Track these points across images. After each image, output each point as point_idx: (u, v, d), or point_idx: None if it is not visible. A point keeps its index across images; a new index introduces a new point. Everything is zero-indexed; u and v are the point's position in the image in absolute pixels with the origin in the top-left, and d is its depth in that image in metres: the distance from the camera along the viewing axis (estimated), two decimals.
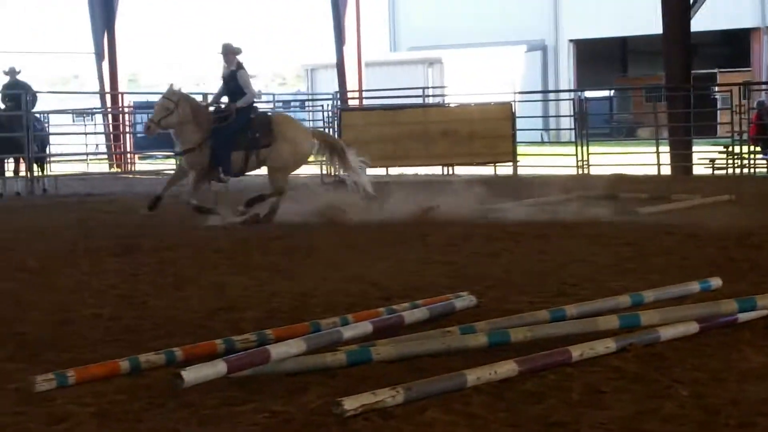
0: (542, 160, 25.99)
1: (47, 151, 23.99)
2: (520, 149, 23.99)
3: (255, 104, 15.78)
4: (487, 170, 23.59)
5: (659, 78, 29.05)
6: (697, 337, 6.38)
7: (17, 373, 5.96)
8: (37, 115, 23.42)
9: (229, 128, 14.02)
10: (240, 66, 14.22)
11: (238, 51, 14.17)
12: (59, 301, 8.49)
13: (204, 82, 44.62)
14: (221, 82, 14.63)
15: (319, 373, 5.78)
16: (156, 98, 39.93)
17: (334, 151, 15.16)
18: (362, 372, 5.77)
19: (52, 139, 25.88)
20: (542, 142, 34.15)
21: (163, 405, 5.27)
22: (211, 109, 14.72)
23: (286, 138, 14.34)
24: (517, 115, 23.82)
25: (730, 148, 23.23)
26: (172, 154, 30.61)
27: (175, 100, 13.84)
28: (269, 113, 16.30)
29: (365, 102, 28.44)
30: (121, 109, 30.87)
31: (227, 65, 14.26)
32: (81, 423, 5.03)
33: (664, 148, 23.00)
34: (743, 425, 4.72)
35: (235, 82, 14.05)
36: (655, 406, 5.04)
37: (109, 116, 31.34)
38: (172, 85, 14.55)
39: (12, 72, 21.46)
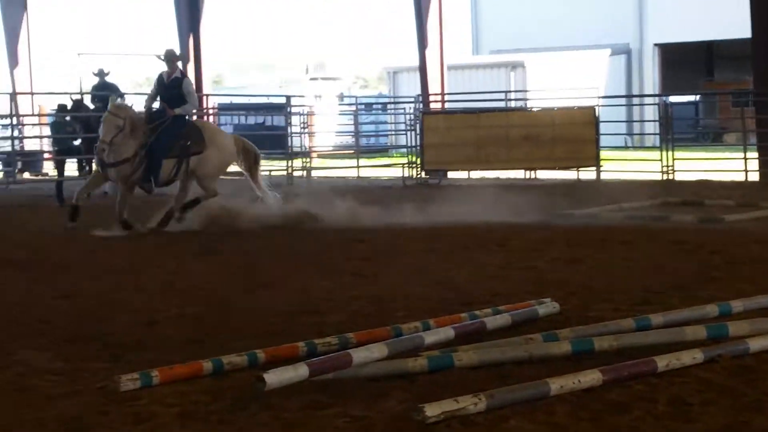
0: (626, 165, 25.75)
1: None
2: (603, 154, 23.86)
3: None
4: (569, 175, 23.47)
5: (747, 83, 28.62)
6: None
7: (102, 372, 6.06)
8: None
9: (164, 137, 13.55)
10: (184, 74, 14.15)
11: (181, 57, 14.07)
12: (144, 301, 8.63)
13: (287, 83, 44.92)
14: (156, 86, 13.96)
15: (400, 379, 5.80)
16: (239, 100, 40.28)
17: (249, 157, 14.91)
18: (443, 378, 5.78)
19: None
20: (626, 147, 33.85)
21: (246, 407, 5.31)
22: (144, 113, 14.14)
23: (215, 145, 14.12)
24: (600, 119, 23.66)
25: None
26: None
27: (123, 116, 13.20)
28: (193, 121, 15.38)
29: (447, 105, 28.38)
30: (206, 110, 31.19)
31: (170, 71, 13.64)
32: (165, 423, 5.10)
33: (752, 154, 22.70)
34: None
35: (178, 89, 13.52)
36: (744, 420, 4.98)
37: (194, 117, 31.62)
38: (115, 98, 14.82)
39: (101, 74, 21.82)
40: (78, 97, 22.30)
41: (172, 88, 13.41)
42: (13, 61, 34.13)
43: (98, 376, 5.99)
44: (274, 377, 5.48)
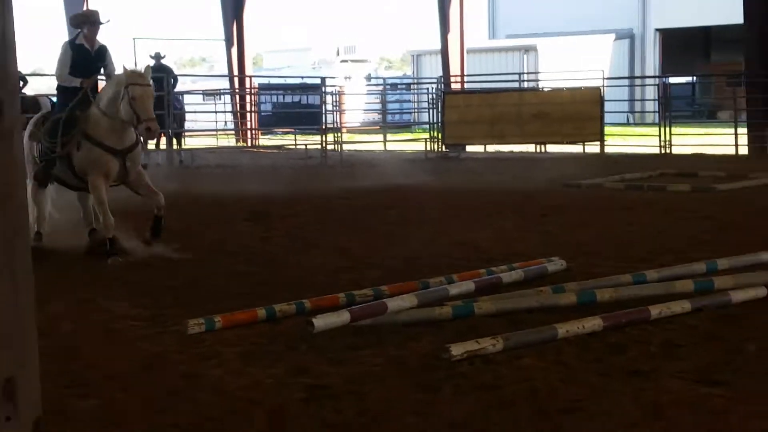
0: (628, 140, 25.76)
1: (183, 127, 24.54)
2: (607, 130, 23.76)
3: None
4: (576, 149, 23.48)
5: (740, 65, 28.53)
6: (766, 300, 6.38)
7: (173, 317, 6.26)
8: (177, 96, 23.96)
9: None
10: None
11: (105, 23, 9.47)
12: (200, 259, 8.73)
13: (320, 65, 44.91)
14: (75, 55, 9.13)
15: (429, 324, 5.93)
16: (277, 81, 40.08)
17: None
18: (466, 324, 5.90)
19: (187, 116, 26.48)
20: (628, 124, 33.79)
21: (297, 348, 5.50)
22: None
23: None
24: (605, 98, 23.58)
25: None
26: (291, 130, 31.19)
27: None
28: None
29: (466, 86, 28.42)
30: (249, 90, 31.41)
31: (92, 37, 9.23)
32: (228, 360, 5.29)
33: (742, 130, 22.60)
34: None
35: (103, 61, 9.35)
36: (726, 359, 5.12)
37: (237, 96, 31.85)
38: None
39: (157, 56, 21.98)
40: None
41: (98, 60, 9.23)
42: None
43: (172, 321, 6.18)
44: (321, 322, 5.71)
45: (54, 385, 4.84)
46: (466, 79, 28.43)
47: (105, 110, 8.59)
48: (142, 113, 8.31)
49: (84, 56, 8.97)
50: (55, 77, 9.29)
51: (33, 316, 1.63)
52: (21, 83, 22.17)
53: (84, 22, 9.09)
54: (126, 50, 32.41)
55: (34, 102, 22.45)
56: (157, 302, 6.92)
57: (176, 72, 21.83)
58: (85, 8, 34.27)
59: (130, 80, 8.41)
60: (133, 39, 26.75)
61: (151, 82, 8.75)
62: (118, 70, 8.91)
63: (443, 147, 24.45)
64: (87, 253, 9.01)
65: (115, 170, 8.62)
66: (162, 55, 22.10)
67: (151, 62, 22.05)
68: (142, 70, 8.68)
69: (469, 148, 24.57)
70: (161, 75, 21.62)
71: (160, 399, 4.63)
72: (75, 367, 5.21)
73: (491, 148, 24.35)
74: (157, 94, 21.22)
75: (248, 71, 32.62)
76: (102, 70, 9.24)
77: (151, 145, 22.66)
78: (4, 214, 1.57)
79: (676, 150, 22.84)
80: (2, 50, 1.64)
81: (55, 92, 10.26)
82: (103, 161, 8.54)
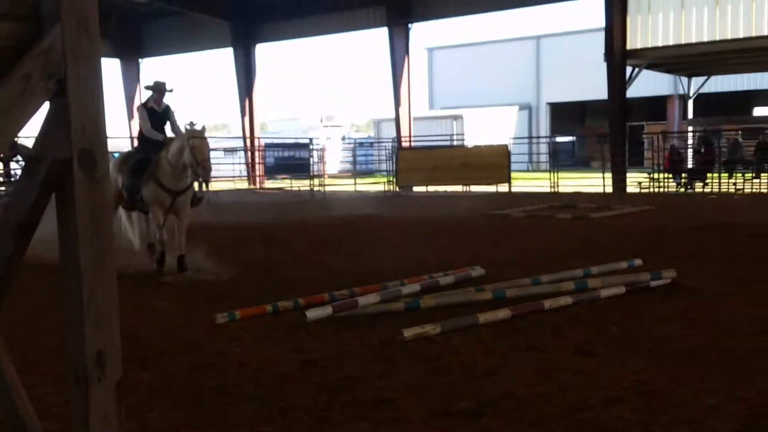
0: (527, 182, 25.97)
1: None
2: (512, 175, 23.92)
3: None
4: (491, 189, 23.66)
5: (605, 128, 28.97)
6: (625, 296, 6.47)
7: (204, 312, 6.24)
8: None
9: None
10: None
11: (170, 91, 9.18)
12: (224, 270, 8.49)
13: (308, 129, 44.89)
14: (148, 115, 8.87)
15: (388, 315, 5.96)
16: (278, 141, 39.84)
17: None
18: (414, 314, 5.92)
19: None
20: (527, 171, 34.02)
21: (295, 332, 5.52)
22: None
23: None
24: (511, 152, 23.71)
25: (652, 175, 23.04)
26: (288, 177, 31.13)
27: None
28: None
29: (413, 144, 28.54)
30: (257, 147, 31.40)
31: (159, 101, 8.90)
32: (246, 341, 5.32)
33: (608, 175, 22.91)
34: (653, 348, 4.84)
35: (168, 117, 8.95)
36: (590, 338, 5.17)
37: (248, 152, 31.81)
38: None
39: (191, 125, 21.85)
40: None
41: (164, 117, 8.93)
42: (130, 114, 34.22)
43: (202, 314, 6.16)
44: (312, 313, 5.75)
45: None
46: (413, 139, 28.54)
47: (170, 159, 8.41)
48: (199, 157, 8.19)
49: (154, 115, 8.92)
50: (140, 129, 9.19)
51: (117, 310, 1.69)
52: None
53: (154, 89, 9.03)
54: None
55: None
56: (192, 301, 6.90)
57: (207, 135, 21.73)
58: (138, 87, 34.23)
59: (190, 135, 8.33)
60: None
61: (206, 135, 8.60)
62: (180, 127, 8.78)
63: (397, 188, 24.51)
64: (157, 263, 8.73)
65: (168, 205, 8.48)
66: (194, 123, 21.96)
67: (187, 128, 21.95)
68: (200, 128, 8.53)
69: (416, 189, 24.65)
70: None
71: (198, 370, 4.63)
72: (135, 348, 5.21)
73: (431, 188, 24.43)
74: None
75: (257, 134, 32.57)
76: (168, 124, 9.06)
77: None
78: (99, 239, 1.63)
79: (561, 189, 22.97)
80: (95, 117, 1.68)
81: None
82: (161, 197, 8.47)
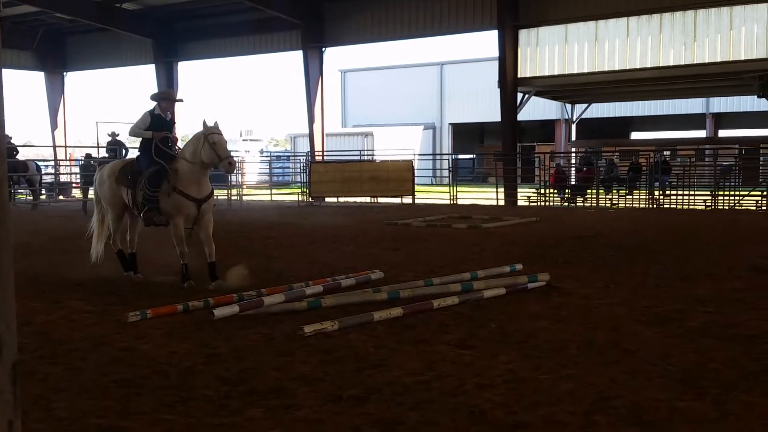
0: (430, 195, 26.36)
1: None
2: (417, 188, 24.24)
3: None
4: (396, 200, 23.91)
5: (500, 147, 29.74)
6: (505, 296, 6.67)
7: (117, 311, 6.16)
8: None
9: None
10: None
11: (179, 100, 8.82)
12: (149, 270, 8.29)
13: (229, 142, 44.22)
14: (156, 122, 7.87)
15: (291, 313, 5.98)
16: None
17: None
18: (316, 313, 5.97)
19: None
20: (431, 184, 34.53)
21: (202, 329, 5.49)
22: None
23: None
24: (416, 168, 24.04)
25: (540, 190, 23.66)
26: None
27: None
28: None
29: (326, 158, 28.58)
30: None
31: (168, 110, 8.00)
32: (156, 338, 5.25)
33: (501, 189, 23.53)
34: (524, 341, 5.02)
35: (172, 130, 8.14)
36: (471, 333, 5.32)
37: None
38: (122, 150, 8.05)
39: (113, 134, 21.32)
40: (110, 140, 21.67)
41: (171, 125, 8.11)
42: (54, 124, 33.07)
43: (114, 314, 6.07)
44: (219, 311, 5.75)
45: (33, 357, 4.75)
46: (325, 153, 28.59)
47: (190, 159, 7.51)
48: (221, 153, 7.33)
49: (160, 122, 7.89)
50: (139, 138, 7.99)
51: (13, 300, 1.70)
52: (14, 152, 21.23)
53: (163, 98, 8.03)
54: (91, 130, 31.26)
55: (24, 165, 21.48)
56: (103, 300, 6.75)
57: (128, 146, 21.17)
58: (61, 101, 33.04)
59: (208, 131, 7.45)
60: (96, 122, 25.80)
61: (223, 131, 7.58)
62: (198, 129, 7.68)
63: (310, 198, 24.50)
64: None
65: (194, 215, 7.58)
66: (117, 134, 21.46)
67: (108, 138, 21.42)
68: (215, 124, 7.59)
69: (327, 199, 24.70)
70: (116, 146, 21.03)
71: (106, 364, 4.57)
72: (47, 345, 5.10)
73: (342, 199, 24.52)
74: (114, 161, 20.71)
75: (178, 146, 31.92)
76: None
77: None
78: None
79: (460, 201, 23.39)
80: None
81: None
82: (186, 207, 7.56)
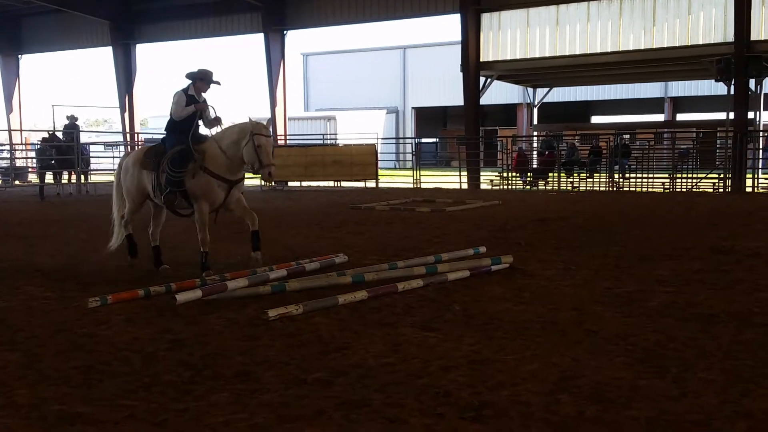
0: (393, 178, 26.39)
1: (89, 167, 23.46)
2: (380, 172, 24.25)
3: None
4: (360, 184, 23.91)
5: (463, 131, 29.92)
6: (468, 278, 6.70)
7: (77, 297, 6.08)
8: (85, 146, 22.88)
9: None
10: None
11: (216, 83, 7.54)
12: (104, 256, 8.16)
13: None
14: (191, 101, 7.34)
15: (255, 297, 5.94)
16: (160, 136, 39.39)
17: None
18: (280, 297, 5.95)
19: (92, 160, 25.36)
20: (394, 168, 34.59)
21: (164, 314, 5.43)
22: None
23: None
24: (379, 152, 24.07)
25: (502, 174, 23.84)
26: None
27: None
28: None
29: (288, 142, 28.43)
30: (137, 142, 30.33)
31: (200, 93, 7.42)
32: (116, 324, 5.17)
33: (465, 173, 23.63)
34: (487, 323, 5.05)
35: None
36: (441, 314, 5.36)
37: (129, 147, 30.74)
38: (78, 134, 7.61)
39: (71, 118, 20.90)
40: (53, 132, 21.45)
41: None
42: (9, 108, 32.31)
43: (74, 299, 5.99)
44: (182, 296, 5.68)
45: None
46: (288, 137, 28.43)
47: (225, 150, 6.95)
48: (264, 159, 6.79)
49: (193, 102, 7.27)
50: (170, 117, 7.42)
51: None
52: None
53: (198, 78, 7.30)
54: (47, 114, 30.64)
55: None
56: (62, 286, 6.65)
57: (84, 129, 20.80)
58: (17, 83, 32.24)
59: (256, 130, 6.83)
60: (52, 105, 25.28)
61: (271, 133, 6.93)
62: (237, 121, 7.18)
63: (273, 183, 24.31)
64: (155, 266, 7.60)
65: (222, 198, 7.12)
66: (75, 117, 21.04)
67: (66, 121, 20.99)
68: (265, 123, 6.98)
69: (290, 183, 24.58)
70: (73, 130, 20.63)
71: (66, 351, 4.49)
72: (5, 332, 5.00)
73: (305, 183, 24.41)
74: (69, 143, 20.38)
75: (137, 129, 31.48)
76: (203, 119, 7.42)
77: (65, 180, 21.59)
78: None
79: (424, 185, 23.48)
80: None
81: None
82: (214, 189, 7.04)
